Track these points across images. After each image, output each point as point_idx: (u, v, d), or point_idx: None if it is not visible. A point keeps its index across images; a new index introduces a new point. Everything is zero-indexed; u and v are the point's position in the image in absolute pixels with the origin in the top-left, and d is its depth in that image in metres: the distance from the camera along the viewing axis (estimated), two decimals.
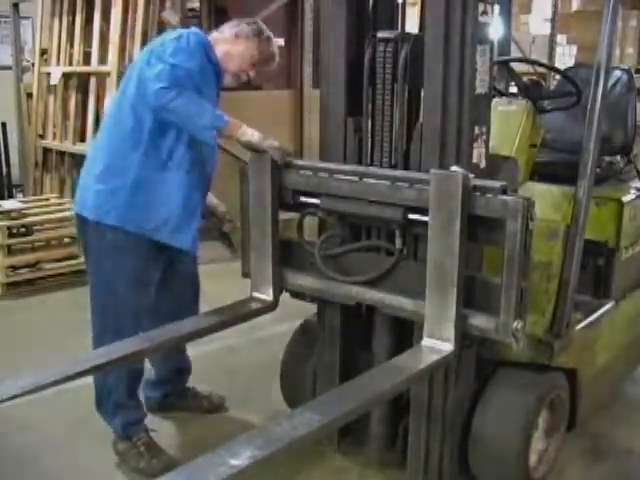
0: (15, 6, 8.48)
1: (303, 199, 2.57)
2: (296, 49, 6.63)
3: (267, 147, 2.56)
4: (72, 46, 6.81)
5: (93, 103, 6.30)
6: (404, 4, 2.61)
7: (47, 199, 6.21)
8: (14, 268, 5.39)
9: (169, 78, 2.51)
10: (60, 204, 6.06)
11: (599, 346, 3.08)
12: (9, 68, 8.04)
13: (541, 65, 4.11)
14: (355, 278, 2.48)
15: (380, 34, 2.47)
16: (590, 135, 2.50)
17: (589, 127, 2.54)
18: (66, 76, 6.79)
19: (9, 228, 5.26)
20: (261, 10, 6.28)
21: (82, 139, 6.53)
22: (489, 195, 2.18)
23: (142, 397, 3.13)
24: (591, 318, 2.98)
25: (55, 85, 6.87)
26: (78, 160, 6.85)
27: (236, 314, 2.62)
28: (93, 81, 6.30)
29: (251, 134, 2.59)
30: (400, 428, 2.76)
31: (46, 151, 6.99)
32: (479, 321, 2.28)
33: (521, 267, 2.17)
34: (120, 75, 5.82)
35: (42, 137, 6.95)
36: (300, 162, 2.60)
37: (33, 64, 7.71)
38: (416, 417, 2.62)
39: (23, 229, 5.35)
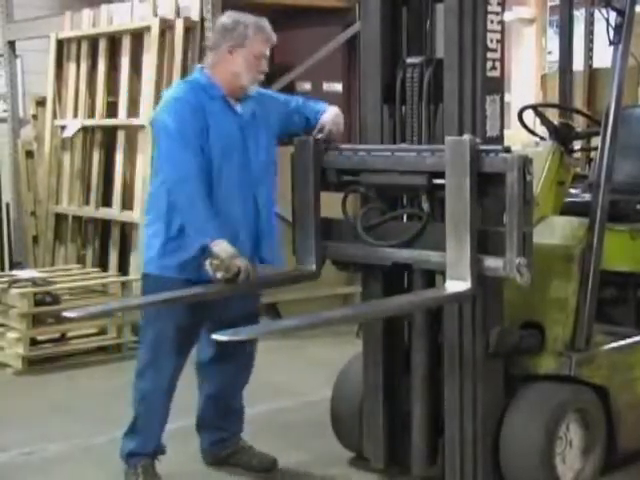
0: (11, 44, 9.02)
1: (346, 178, 4.20)
2: (356, 96, 7.69)
3: (234, 265, 3.96)
4: (91, 95, 7.95)
5: (121, 162, 7.59)
6: (432, 31, 4.21)
7: (68, 269, 7.60)
8: (37, 342, 6.63)
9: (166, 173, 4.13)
10: (86, 274, 7.38)
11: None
12: (2, 121, 9.01)
13: (560, 108, 5.71)
14: (391, 242, 4.05)
15: (408, 59, 4.21)
16: (601, 169, 4.28)
17: (600, 162, 4.30)
18: (85, 130, 7.95)
19: (35, 295, 6.54)
20: (311, 47, 7.70)
21: (106, 203, 7.82)
22: (492, 154, 3.75)
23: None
24: (623, 342, 4.55)
25: (70, 140, 8.03)
26: (103, 228, 7.95)
27: (286, 277, 4.37)
28: (121, 136, 7.61)
29: (224, 248, 4.00)
30: (440, 445, 4.23)
31: (59, 217, 8.33)
32: (490, 262, 3.78)
33: (521, 213, 3.66)
34: None
35: (56, 201, 8.17)
36: (343, 146, 4.25)
37: (34, 116, 8.82)
38: (450, 425, 4.14)
39: (49, 298, 6.65)
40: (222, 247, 4.02)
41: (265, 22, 4.29)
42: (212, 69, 4.28)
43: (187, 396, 4.55)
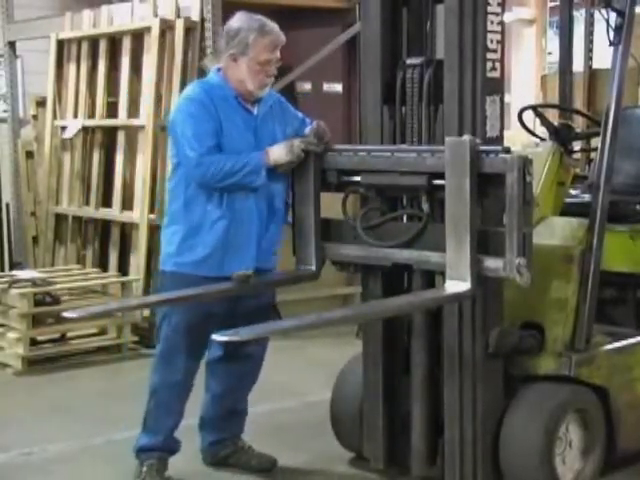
0: (11, 45, 9.09)
1: (346, 178, 4.23)
2: (356, 97, 7.63)
3: (301, 149, 4.14)
4: (92, 96, 7.98)
5: (121, 162, 7.61)
6: (432, 32, 4.23)
7: (68, 269, 7.60)
8: (37, 342, 6.64)
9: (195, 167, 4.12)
10: (86, 274, 7.37)
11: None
12: (3, 121, 9.05)
13: (560, 108, 5.68)
14: (391, 242, 4.08)
15: (408, 60, 4.23)
16: (601, 170, 4.28)
17: (599, 163, 4.30)
18: (85, 130, 7.98)
19: (35, 295, 6.54)
20: (311, 47, 7.69)
21: (106, 203, 7.81)
22: (492, 155, 3.77)
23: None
24: (623, 343, 4.55)
25: (70, 140, 8.04)
26: (103, 228, 7.93)
27: (286, 277, 4.40)
28: (121, 136, 7.65)
29: (277, 151, 4.16)
30: (439, 445, 4.24)
31: (59, 218, 8.33)
32: (490, 263, 3.80)
33: (521, 213, 3.68)
34: (157, 130, 7.09)
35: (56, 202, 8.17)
36: (343, 146, 4.29)
37: (34, 116, 8.80)
38: (450, 425, 4.15)
39: (49, 298, 6.65)
40: (273, 156, 4.20)
41: (271, 25, 4.26)
42: (224, 72, 4.32)
43: (191, 396, 4.54)
